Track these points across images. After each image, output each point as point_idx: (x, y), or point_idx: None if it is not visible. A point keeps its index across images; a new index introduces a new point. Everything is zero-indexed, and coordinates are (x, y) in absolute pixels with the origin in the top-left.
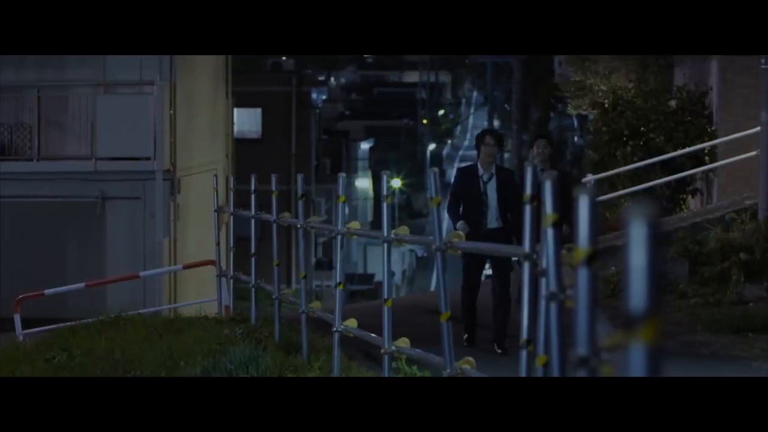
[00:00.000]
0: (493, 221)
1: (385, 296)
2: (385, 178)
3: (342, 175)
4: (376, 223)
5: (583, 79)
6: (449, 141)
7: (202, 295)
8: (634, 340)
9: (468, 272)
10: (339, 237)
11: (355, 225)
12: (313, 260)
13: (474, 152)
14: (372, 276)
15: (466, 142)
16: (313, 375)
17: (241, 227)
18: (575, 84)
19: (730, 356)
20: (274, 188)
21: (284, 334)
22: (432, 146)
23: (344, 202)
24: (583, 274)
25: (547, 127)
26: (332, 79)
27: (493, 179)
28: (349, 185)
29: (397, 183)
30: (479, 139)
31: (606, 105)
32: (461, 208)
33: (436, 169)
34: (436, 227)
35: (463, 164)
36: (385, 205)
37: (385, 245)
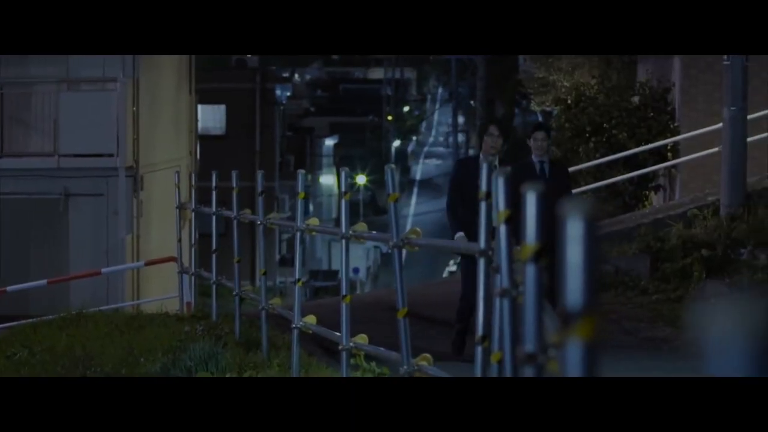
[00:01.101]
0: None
1: (344, 293)
2: (343, 174)
3: (301, 172)
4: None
5: (546, 76)
6: (414, 137)
7: (165, 291)
8: (571, 337)
9: (467, 280)
10: (298, 233)
11: (314, 221)
12: (277, 257)
13: (440, 149)
14: (336, 272)
15: (431, 139)
16: (273, 371)
17: (206, 224)
18: (538, 80)
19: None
20: (234, 185)
21: (245, 331)
22: (397, 143)
23: (304, 199)
24: (530, 271)
25: (512, 123)
26: (296, 75)
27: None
28: (314, 182)
29: (362, 179)
30: (482, 129)
31: (568, 101)
32: (460, 208)
33: (393, 166)
34: (393, 223)
35: (464, 156)
36: (343, 202)
37: (344, 242)
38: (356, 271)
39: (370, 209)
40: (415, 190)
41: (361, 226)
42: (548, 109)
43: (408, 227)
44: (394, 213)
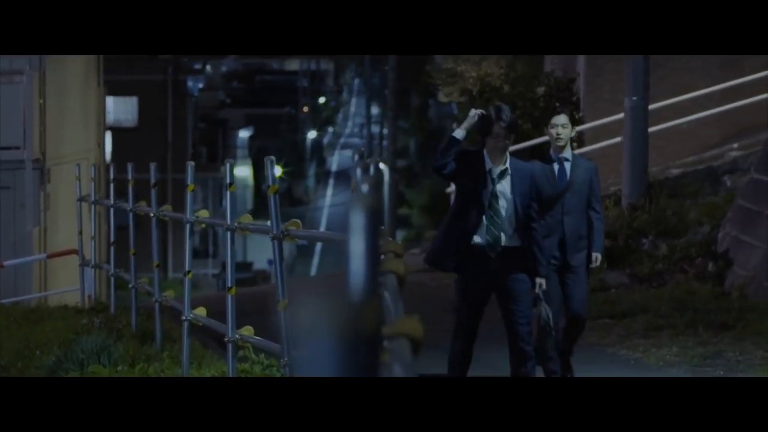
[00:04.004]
0: (505, 236)
1: (228, 285)
2: (228, 166)
3: (191, 164)
4: (257, 212)
5: (454, 67)
6: (330, 129)
7: (73, 284)
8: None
9: (465, 308)
10: (188, 225)
11: (203, 213)
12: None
13: (356, 140)
14: (250, 264)
15: (348, 130)
16: (164, 364)
17: (118, 217)
18: (446, 71)
19: (586, 343)
20: (130, 177)
21: (142, 323)
22: (313, 134)
23: (192, 191)
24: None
25: (426, 114)
26: (208, 67)
27: (508, 176)
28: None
29: (277, 171)
30: (486, 128)
31: (473, 92)
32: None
33: (272, 158)
34: (273, 215)
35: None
36: (228, 194)
37: (228, 233)
38: (271, 262)
39: (285, 200)
40: (331, 181)
41: (246, 218)
42: (462, 99)
43: (324, 219)
44: (274, 205)
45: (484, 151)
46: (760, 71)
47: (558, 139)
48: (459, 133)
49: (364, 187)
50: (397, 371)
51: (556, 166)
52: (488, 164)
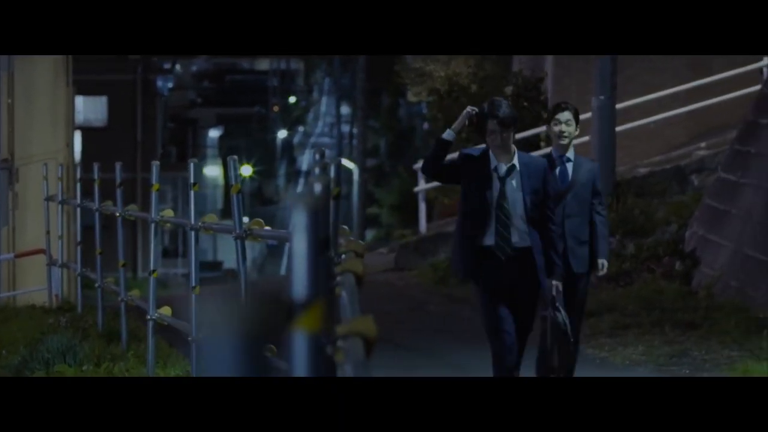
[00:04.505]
0: (516, 236)
1: (193, 284)
2: (191, 166)
3: (156, 163)
4: (227, 212)
5: (422, 66)
6: (301, 128)
7: (42, 283)
8: (296, 328)
9: (489, 313)
10: (153, 225)
11: (168, 213)
12: (160, 248)
13: (326, 139)
14: (220, 263)
15: (318, 129)
16: (129, 363)
17: (88, 216)
18: (415, 71)
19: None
20: (96, 177)
21: (108, 322)
22: (283, 134)
23: (158, 191)
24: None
25: (396, 113)
26: (177, 66)
27: (516, 173)
28: (198, 173)
29: (247, 171)
30: (480, 117)
31: (442, 92)
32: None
33: (235, 157)
34: (236, 214)
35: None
36: (192, 194)
37: (193, 233)
38: (218, 264)
39: (257, 200)
40: (302, 180)
41: (210, 218)
42: (431, 99)
43: None
44: (237, 204)
45: (490, 150)
46: (727, 70)
47: (561, 137)
48: (448, 134)
49: (317, 187)
50: (349, 371)
51: (557, 166)
52: (493, 162)
